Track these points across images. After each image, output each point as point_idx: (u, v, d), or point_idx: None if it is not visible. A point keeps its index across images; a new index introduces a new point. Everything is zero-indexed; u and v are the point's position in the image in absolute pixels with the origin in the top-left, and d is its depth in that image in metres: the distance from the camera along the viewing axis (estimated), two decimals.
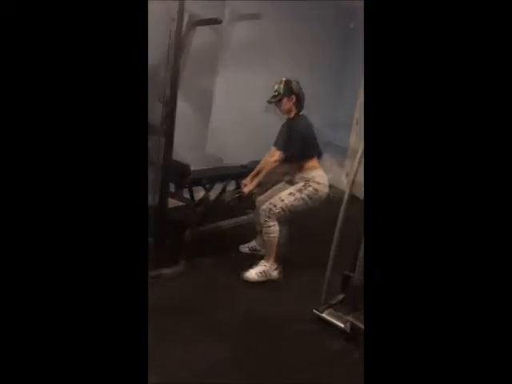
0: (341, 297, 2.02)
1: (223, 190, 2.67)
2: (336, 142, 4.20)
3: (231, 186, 2.80)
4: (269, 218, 2.18)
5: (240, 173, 2.78)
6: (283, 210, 2.19)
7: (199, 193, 2.72)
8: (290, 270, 2.36)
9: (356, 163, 1.76)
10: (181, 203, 2.50)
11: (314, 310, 1.96)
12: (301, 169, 2.27)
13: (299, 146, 2.19)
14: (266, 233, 2.23)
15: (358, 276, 1.70)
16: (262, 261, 2.28)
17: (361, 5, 3.99)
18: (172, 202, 2.33)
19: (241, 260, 2.54)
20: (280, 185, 2.45)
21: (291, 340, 1.82)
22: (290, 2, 3.59)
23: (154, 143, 1.68)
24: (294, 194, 2.20)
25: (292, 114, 2.27)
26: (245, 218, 2.87)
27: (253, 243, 2.66)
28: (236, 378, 1.53)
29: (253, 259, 2.52)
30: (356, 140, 4.27)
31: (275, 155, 2.25)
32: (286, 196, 2.20)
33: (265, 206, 2.21)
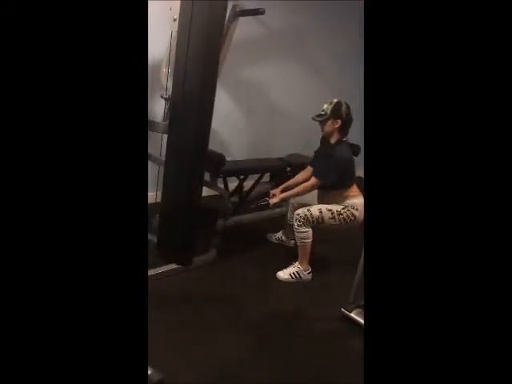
0: None
1: (257, 182, 2.68)
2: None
3: (266, 178, 2.80)
4: (303, 224, 2.16)
5: (275, 165, 2.78)
6: (318, 221, 2.17)
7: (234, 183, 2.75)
8: (322, 269, 2.35)
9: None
10: (215, 193, 2.53)
11: (343, 309, 1.93)
12: (336, 195, 2.22)
13: (338, 177, 2.14)
14: (299, 238, 2.21)
15: None
16: (296, 262, 2.28)
17: None
18: (206, 191, 2.36)
19: (271, 253, 2.55)
20: (311, 193, 2.39)
21: (317, 337, 1.81)
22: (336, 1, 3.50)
23: (185, 134, 1.70)
24: (332, 213, 2.17)
25: (333, 140, 2.20)
26: (277, 210, 2.86)
27: (280, 234, 2.68)
28: (258, 372, 1.55)
29: (282, 254, 2.53)
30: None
31: (312, 180, 2.21)
32: (325, 210, 2.17)
33: (301, 212, 2.18)
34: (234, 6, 2.28)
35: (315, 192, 2.36)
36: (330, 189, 2.22)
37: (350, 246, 1.93)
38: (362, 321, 1.87)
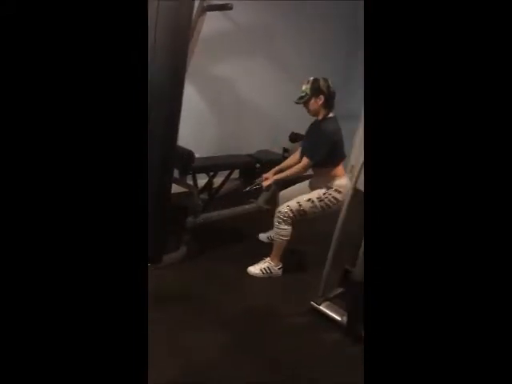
0: (339, 291, 2.03)
1: (227, 179, 2.67)
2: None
3: (235, 175, 2.80)
4: (283, 221, 2.18)
5: (245, 162, 2.78)
6: (300, 214, 2.18)
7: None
8: (293, 265, 2.38)
9: (362, 156, 1.74)
10: (184, 189, 2.50)
11: (312, 302, 1.97)
12: (326, 175, 2.22)
13: (327, 153, 2.13)
14: (278, 234, 2.22)
15: (358, 271, 1.70)
16: (268, 258, 2.30)
17: None
18: (175, 189, 2.33)
19: (243, 250, 2.56)
20: (303, 183, 2.43)
21: (286, 330, 1.84)
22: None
23: (158, 130, 1.66)
24: (312, 201, 2.17)
25: (320, 116, 2.18)
26: (247, 207, 2.86)
27: (270, 233, 2.69)
28: (233, 367, 1.55)
29: (254, 251, 2.54)
30: (363, 133, 4.23)
31: (303, 161, 2.20)
32: (304, 202, 2.17)
33: (282, 209, 2.19)
34: (201, 1, 2.25)
35: (304, 185, 2.38)
36: (320, 166, 2.21)
37: (327, 243, 1.96)
38: (331, 313, 1.92)
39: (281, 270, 2.31)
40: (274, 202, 2.62)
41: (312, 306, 1.97)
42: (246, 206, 2.87)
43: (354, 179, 1.78)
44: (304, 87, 2.15)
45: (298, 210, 2.17)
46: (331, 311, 1.93)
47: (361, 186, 2.12)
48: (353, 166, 1.85)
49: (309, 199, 2.18)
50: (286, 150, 3.03)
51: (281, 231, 2.20)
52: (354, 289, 1.69)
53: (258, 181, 2.45)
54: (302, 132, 3.10)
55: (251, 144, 3.29)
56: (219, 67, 3.29)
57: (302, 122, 3.90)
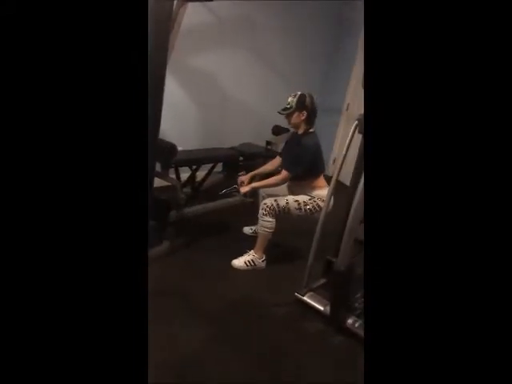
0: (323, 281, 2.06)
1: (210, 172, 2.66)
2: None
3: (218, 168, 2.79)
4: (268, 213, 2.20)
5: (228, 155, 2.78)
6: (284, 211, 2.21)
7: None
8: (276, 258, 2.40)
9: (345, 149, 1.76)
10: (167, 183, 2.49)
11: (296, 293, 2.00)
12: (305, 186, 2.27)
13: (307, 167, 2.18)
14: (262, 226, 2.24)
15: (340, 261, 1.72)
16: (252, 251, 2.32)
17: None
18: (158, 182, 2.31)
19: (227, 243, 2.57)
20: (282, 186, 2.42)
21: (270, 321, 1.86)
22: None
23: None
24: (299, 203, 2.21)
25: (301, 130, 2.25)
26: (230, 200, 2.87)
27: (256, 227, 2.70)
28: (216, 360, 1.57)
29: (238, 244, 2.55)
30: (345, 125, 4.27)
31: (282, 174, 2.23)
32: (291, 201, 2.21)
33: (268, 201, 2.21)
34: None
35: (282, 187, 2.41)
36: (300, 179, 2.26)
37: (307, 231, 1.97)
38: (314, 303, 1.95)
39: (264, 262, 2.32)
40: (256, 195, 2.63)
41: (296, 297, 2.00)
42: (230, 199, 2.87)
43: (336, 172, 1.81)
44: (290, 99, 2.21)
45: (284, 207, 2.20)
46: (314, 301, 1.96)
47: (343, 179, 2.15)
48: (335, 159, 1.87)
49: (296, 200, 2.22)
50: (268, 143, 3.04)
51: (265, 223, 2.22)
52: (336, 278, 1.72)
53: (234, 186, 2.45)
54: (285, 125, 3.12)
55: (234, 137, 3.29)
56: (201, 60, 3.26)
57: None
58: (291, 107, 2.18)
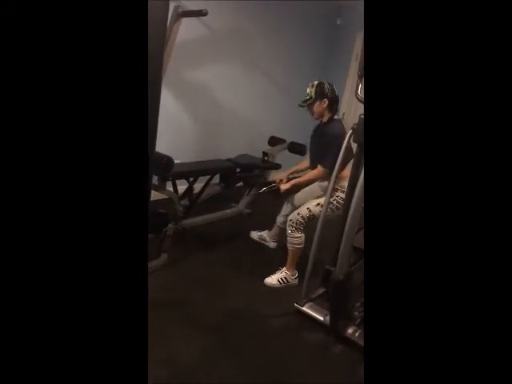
0: (322, 291, 2.05)
1: (207, 184, 2.66)
2: None
3: (216, 180, 2.80)
4: (296, 229, 2.16)
5: (225, 166, 2.78)
6: (310, 220, 2.16)
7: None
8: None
9: (340, 157, 1.78)
10: (164, 196, 2.49)
11: (295, 304, 1.99)
12: (338, 178, 2.13)
13: (336, 155, 2.05)
14: (291, 243, 2.20)
15: (338, 270, 1.72)
16: (284, 268, 2.29)
17: (347, 3, 4.00)
18: (155, 195, 2.31)
19: (226, 255, 2.56)
20: (314, 185, 2.39)
21: (272, 332, 1.85)
22: (276, 1, 3.59)
23: None
24: (322, 206, 2.11)
25: (325, 119, 2.21)
26: (228, 211, 2.87)
27: (264, 233, 2.71)
28: (216, 371, 1.55)
29: (238, 256, 2.54)
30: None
31: (318, 171, 2.18)
32: (313, 207, 2.15)
33: (292, 217, 2.18)
34: (176, 7, 2.26)
35: (315, 187, 2.35)
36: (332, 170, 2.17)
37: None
38: (313, 313, 1.94)
39: (297, 279, 2.29)
40: (254, 206, 2.64)
41: (295, 307, 1.99)
42: (228, 211, 2.87)
43: (333, 180, 1.82)
44: (308, 90, 2.17)
45: (309, 216, 2.15)
46: (314, 311, 1.95)
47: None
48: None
49: (317, 204, 2.16)
50: (265, 154, 3.05)
51: (294, 239, 2.19)
52: (335, 288, 1.71)
53: (273, 183, 2.42)
54: (282, 136, 3.14)
55: (231, 149, 3.30)
56: (196, 73, 3.29)
57: (280, 125, 3.95)
58: (311, 97, 2.14)
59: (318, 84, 2.15)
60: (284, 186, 2.30)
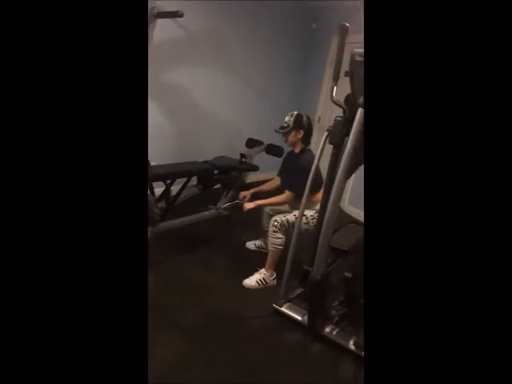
0: (300, 291, 2.08)
1: (184, 186, 2.64)
2: None
3: (193, 182, 2.78)
4: (279, 230, 2.20)
5: (202, 169, 2.77)
6: (293, 226, 2.18)
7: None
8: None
9: (316, 159, 1.80)
10: None
11: (274, 305, 2.00)
12: (308, 202, 2.20)
13: (308, 184, 2.16)
14: (273, 243, 2.23)
15: (316, 270, 1.74)
16: (262, 269, 2.31)
17: (323, 5, 4.04)
18: None
19: (205, 257, 2.55)
20: (284, 207, 2.45)
21: (251, 333, 1.85)
22: (254, 2, 3.60)
23: None
24: (307, 218, 2.21)
25: (298, 149, 2.31)
26: (206, 213, 2.85)
27: (259, 242, 2.74)
28: (196, 373, 1.54)
29: (217, 258, 2.53)
30: (318, 136, 4.36)
31: (287, 195, 2.27)
32: (299, 216, 2.17)
33: (278, 218, 2.22)
34: (151, 8, 2.23)
35: (283, 209, 2.42)
36: (301, 196, 2.25)
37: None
38: (292, 313, 1.95)
39: (275, 279, 2.31)
40: (232, 208, 2.64)
41: (274, 308, 2.00)
42: (206, 213, 2.86)
43: (309, 181, 1.85)
44: (287, 119, 2.26)
45: (293, 223, 2.18)
46: (292, 312, 1.96)
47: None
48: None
49: (304, 215, 2.19)
50: (242, 156, 3.05)
51: (276, 240, 2.22)
52: (312, 288, 1.74)
53: (238, 200, 2.51)
54: (259, 138, 3.16)
55: (208, 151, 3.29)
56: (172, 75, 3.27)
57: (258, 127, 3.97)
58: (288, 126, 2.24)
59: (297, 115, 2.25)
60: (248, 206, 2.34)
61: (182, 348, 1.67)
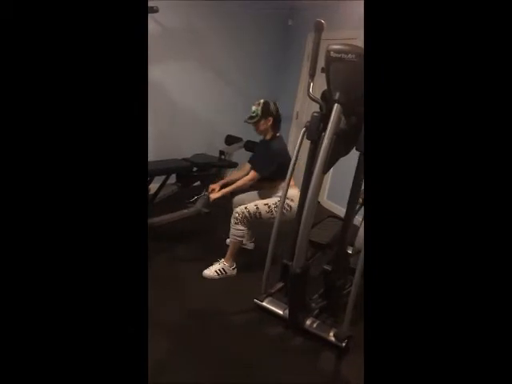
0: (280, 285, 2.10)
1: (163, 184, 2.62)
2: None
3: (172, 180, 2.76)
4: (240, 221, 2.21)
5: (181, 166, 2.75)
6: (256, 217, 2.23)
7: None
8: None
9: (294, 153, 1.82)
10: None
11: (255, 300, 2.02)
12: (275, 187, 2.34)
13: (275, 169, 2.24)
14: (233, 234, 2.25)
15: (296, 264, 1.77)
16: (222, 259, 2.32)
17: (301, 5, 4.07)
18: None
19: (187, 253, 2.54)
20: (252, 192, 2.49)
21: (233, 329, 1.86)
22: (232, 1, 3.59)
23: None
24: (269, 206, 2.25)
25: (268, 136, 2.34)
26: (186, 211, 2.84)
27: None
28: (179, 369, 1.54)
29: (200, 253, 2.53)
30: (296, 132, 4.40)
31: (251, 174, 2.30)
32: (261, 205, 2.25)
33: (238, 210, 2.23)
34: None
35: (253, 194, 2.46)
36: (269, 181, 2.33)
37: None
38: (273, 308, 1.97)
39: (235, 270, 2.34)
40: (212, 206, 2.64)
41: (255, 303, 2.02)
42: (185, 211, 2.84)
43: (288, 175, 1.87)
44: (254, 108, 2.28)
45: (255, 213, 2.23)
46: (273, 306, 1.98)
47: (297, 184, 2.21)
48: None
49: (266, 204, 2.26)
50: (222, 153, 3.05)
51: (236, 232, 2.24)
52: (292, 281, 1.76)
53: (204, 192, 2.50)
54: (238, 134, 3.16)
55: (187, 148, 3.27)
56: (150, 72, 3.22)
57: (237, 124, 3.96)
58: (257, 115, 2.25)
59: (264, 103, 2.28)
60: (214, 196, 2.38)
61: (166, 345, 1.66)
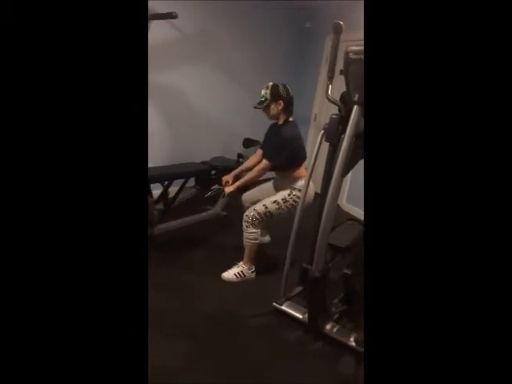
0: (299, 289, 2.08)
1: (182, 187, 2.65)
2: None
3: (191, 183, 2.78)
4: (252, 224, 2.20)
5: (200, 169, 2.77)
6: (266, 216, 2.20)
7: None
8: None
9: (313, 156, 1.81)
10: None
11: (274, 303, 2.01)
12: (288, 176, 2.25)
13: (287, 156, 2.15)
14: (247, 238, 2.24)
15: (315, 268, 1.75)
16: (240, 262, 2.32)
17: (316, 5, 4.04)
18: None
19: (204, 257, 2.55)
20: (266, 184, 2.44)
21: (252, 332, 1.86)
22: (246, 2, 3.61)
23: None
24: (278, 203, 2.19)
25: (281, 121, 2.22)
26: (204, 214, 2.86)
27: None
28: (197, 373, 1.54)
29: (218, 257, 2.54)
30: (314, 134, 4.37)
31: (262, 163, 2.22)
32: (269, 204, 2.19)
33: (249, 213, 2.21)
34: None
35: (267, 186, 2.40)
36: (282, 169, 2.25)
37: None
38: (292, 312, 1.96)
39: (254, 273, 2.33)
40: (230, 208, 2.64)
41: (274, 306, 2.01)
42: (204, 214, 2.86)
43: (307, 177, 1.85)
44: (263, 92, 2.16)
45: (265, 213, 2.19)
46: (293, 310, 1.97)
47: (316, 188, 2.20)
48: (306, 166, 1.91)
49: (274, 201, 2.20)
50: (240, 156, 3.06)
51: (250, 235, 2.23)
52: (312, 285, 1.74)
53: (218, 186, 2.43)
54: (256, 137, 3.16)
55: (205, 151, 3.30)
56: (168, 77, 3.27)
57: (254, 127, 3.97)
58: (266, 99, 2.15)
59: (273, 86, 2.15)
60: (228, 189, 2.31)
61: (184, 349, 1.67)
